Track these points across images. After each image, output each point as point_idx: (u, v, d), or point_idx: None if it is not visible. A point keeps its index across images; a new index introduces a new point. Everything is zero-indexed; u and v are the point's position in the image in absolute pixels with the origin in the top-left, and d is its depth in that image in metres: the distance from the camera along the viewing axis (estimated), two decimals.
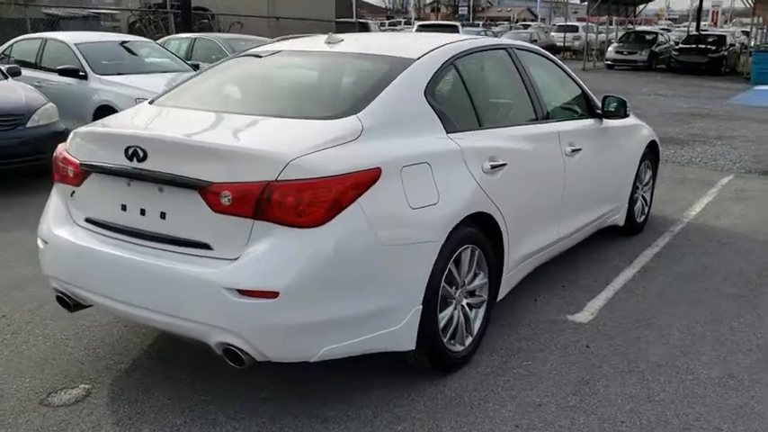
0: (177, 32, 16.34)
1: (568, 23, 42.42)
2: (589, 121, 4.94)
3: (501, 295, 3.92)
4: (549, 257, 4.57)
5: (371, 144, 3.09)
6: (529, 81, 4.38)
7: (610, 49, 30.51)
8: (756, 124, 13.51)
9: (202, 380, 3.51)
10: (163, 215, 3.05)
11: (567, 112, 4.82)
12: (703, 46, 28.28)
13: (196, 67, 10.66)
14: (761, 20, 29.71)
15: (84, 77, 9.31)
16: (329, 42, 4.01)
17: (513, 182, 3.80)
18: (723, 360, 3.78)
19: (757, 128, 13.03)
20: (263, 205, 2.81)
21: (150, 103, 3.86)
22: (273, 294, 2.78)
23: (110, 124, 3.49)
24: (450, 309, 3.47)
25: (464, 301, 3.59)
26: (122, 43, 10.61)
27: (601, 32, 38.83)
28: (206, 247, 2.94)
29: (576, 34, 40.97)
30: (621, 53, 29.58)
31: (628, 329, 4.14)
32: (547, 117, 4.44)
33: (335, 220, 2.84)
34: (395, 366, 3.54)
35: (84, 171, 3.28)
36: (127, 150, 3.05)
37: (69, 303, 3.45)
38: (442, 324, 3.40)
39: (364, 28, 23.40)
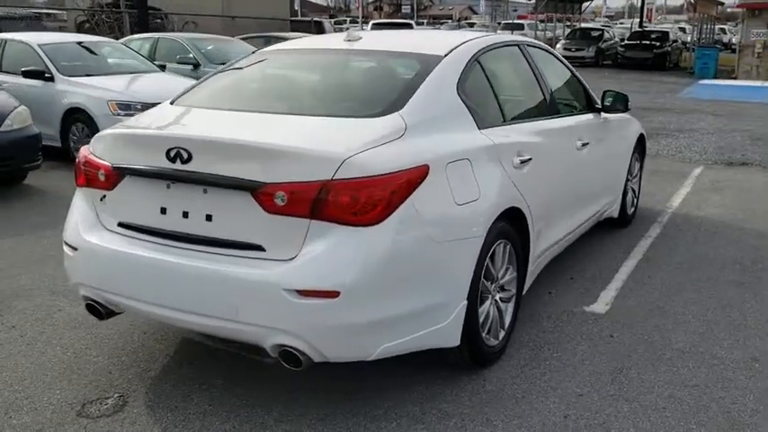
0: (132, 33, 15.99)
1: (515, 21, 43.10)
2: (591, 116, 5.04)
3: (525, 289, 3.97)
4: (561, 250, 4.64)
5: (416, 141, 3.09)
6: (540, 76, 4.44)
7: (558, 46, 31.06)
8: (712, 117, 13.95)
9: (238, 383, 3.45)
10: (209, 217, 2.99)
11: (571, 107, 4.90)
12: (648, 42, 29.09)
13: (163, 67, 10.45)
14: (701, 16, 30.64)
15: (51, 79, 9.01)
16: (349, 40, 3.99)
17: (537, 176, 3.85)
18: (743, 345, 3.90)
19: (714, 121, 13.46)
20: (320, 205, 2.78)
21: (171, 103, 3.77)
22: (334, 294, 2.75)
23: (141, 125, 3.40)
24: (487, 304, 3.50)
25: (497, 296, 3.62)
26: (85, 44, 10.30)
27: (546, 30, 39.58)
28: (258, 248, 2.89)
29: (521, 32, 41.64)
30: (569, 50, 30.13)
31: (645, 318, 4.23)
32: (557, 112, 4.52)
33: (391, 219, 2.83)
34: (426, 362, 3.54)
35: (118, 174, 3.19)
36: (168, 152, 2.98)
37: (101, 311, 3.35)
38: (480, 319, 3.42)
39: (319, 26, 23.34)
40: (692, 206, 6.95)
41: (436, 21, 63.60)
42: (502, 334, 3.67)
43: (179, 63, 11.39)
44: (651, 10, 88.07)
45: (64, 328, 4.09)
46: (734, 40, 41.39)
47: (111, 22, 18.36)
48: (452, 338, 3.20)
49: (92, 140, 3.42)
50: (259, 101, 3.68)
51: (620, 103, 5.09)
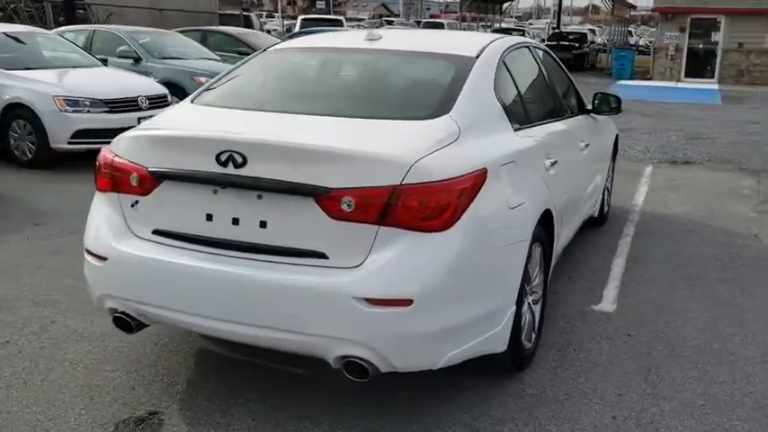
0: (57, 24, 15.17)
1: (435, 20, 43.54)
2: (585, 117, 5.12)
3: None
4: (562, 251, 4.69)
5: (470, 144, 3.04)
6: (548, 77, 4.48)
7: None
8: (642, 117, 14.49)
9: (273, 396, 3.31)
10: (263, 224, 2.84)
11: (571, 108, 4.96)
12: (567, 43, 29.97)
13: (104, 61, 9.97)
14: (614, 18, 31.83)
15: None
16: (370, 39, 3.89)
17: (561, 178, 3.88)
18: (752, 340, 4.05)
19: (645, 120, 13.99)
20: (389, 210, 2.69)
21: (192, 102, 3.58)
22: (407, 302, 2.67)
23: (180, 127, 3.20)
24: (525, 307, 3.49)
25: (530, 299, 3.62)
26: (14, 34, 9.65)
27: (466, 29, 40.19)
28: (320, 255, 2.77)
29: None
30: None
31: (654, 316, 4.33)
32: (565, 113, 4.57)
33: (459, 224, 2.78)
34: (461, 370, 3.47)
35: (155, 179, 2.99)
36: (219, 156, 2.81)
37: (132, 324, 3.15)
38: (521, 323, 3.41)
39: (247, 20, 22.86)
40: (657, 204, 7.18)
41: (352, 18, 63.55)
42: (533, 337, 3.67)
43: (119, 57, 10.88)
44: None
45: (64, 341, 3.82)
46: (641, 42, 43.40)
47: (30, 12, 17.33)
48: (502, 344, 3.18)
49: (117, 142, 3.19)
50: (298, 102, 3.53)
51: (613, 104, 5.20)
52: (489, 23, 41.75)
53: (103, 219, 3.17)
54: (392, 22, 52.20)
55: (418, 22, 46.97)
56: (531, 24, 66.56)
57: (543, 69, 4.46)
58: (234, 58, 12.93)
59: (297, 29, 21.74)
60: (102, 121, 8.16)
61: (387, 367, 2.78)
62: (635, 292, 4.72)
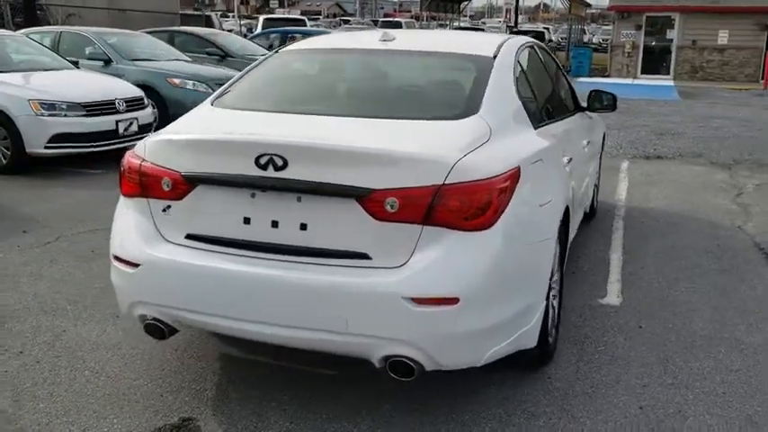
0: (15, 25, 14.78)
1: (393, 20, 43.71)
2: (581, 114, 5.21)
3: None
4: None
5: (502, 143, 3.08)
6: (552, 76, 4.55)
7: None
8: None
9: (309, 398, 3.30)
10: (303, 226, 2.84)
11: (569, 106, 5.04)
12: None
13: (75, 64, 9.76)
14: (572, 17, 32.37)
15: None
16: (385, 40, 3.90)
17: (573, 174, 3.95)
18: (756, 329, 4.18)
19: (612, 116, 14.14)
20: (433, 210, 2.71)
21: (212, 104, 3.54)
22: (454, 301, 2.70)
23: (214, 131, 3.16)
24: (549, 303, 3.55)
25: (551, 294, 3.67)
26: None
27: (423, 28, 40.38)
28: (363, 256, 2.78)
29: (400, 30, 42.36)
30: None
31: (661, 308, 4.44)
32: (569, 110, 4.64)
33: (499, 222, 2.81)
34: (486, 366, 3.53)
35: (189, 183, 2.96)
36: (258, 159, 2.80)
37: (164, 330, 3.11)
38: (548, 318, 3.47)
39: (208, 20, 22.59)
40: (640, 199, 7.35)
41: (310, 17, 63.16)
42: (554, 332, 3.74)
43: (89, 59, 10.65)
44: (510, 11, 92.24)
45: (79, 350, 3.75)
46: (594, 40, 44.18)
47: None
48: (533, 339, 3.22)
49: (144, 146, 3.14)
50: (325, 103, 3.53)
51: (609, 102, 5.30)
52: (447, 22, 42.00)
53: (132, 224, 3.12)
54: (348, 21, 52.19)
55: (375, 22, 47.05)
56: (484, 23, 67.22)
57: (546, 68, 4.54)
58: (203, 59, 12.80)
59: (259, 29, 21.57)
60: (79, 125, 7.95)
61: (433, 366, 2.80)
62: (637, 285, 4.83)
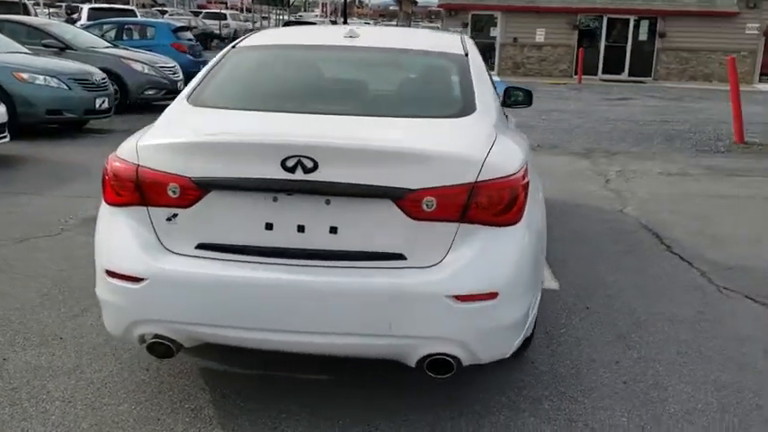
0: None
1: (218, 11, 42.57)
2: None
3: None
4: None
5: (504, 139, 3.17)
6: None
7: None
8: (537, 114, 14.79)
9: (315, 405, 3.19)
10: (333, 230, 2.75)
11: None
12: None
13: None
14: (405, 13, 33.37)
15: None
16: (350, 36, 3.83)
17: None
18: (681, 303, 4.59)
19: (540, 116, 14.41)
20: (468, 208, 2.75)
21: (190, 103, 3.31)
22: (493, 295, 2.75)
23: (227, 131, 2.95)
24: None
25: None
26: None
27: (247, 21, 39.74)
28: (398, 257, 2.75)
29: (225, 22, 41.37)
30: None
31: (595, 289, 4.76)
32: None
33: (524, 217, 2.90)
34: None
35: (201, 189, 2.76)
36: (285, 161, 2.67)
37: (172, 348, 2.88)
38: None
39: (25, 8, 20.60)
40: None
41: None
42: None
43: None
44: (326, 5, 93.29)
45: (35, 379, 3.38)
46: None
47: None
48: (532, 327, 3.36)
49: (134, 150, 2.87)
50: (327, 102, 3.41)
51: (524, 98, 5.55)
52: (278, 15, 41.63)
53: (129, 236, 2.85)
54: (165, 12, 50.00)
55: (196, 13, 45.48)
56: (300, 16, 67.27)
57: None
58: (42, 51, 11.76)
59: (84, 20, 20.08)
60: None
61: (471, 360, 2.84)
62: (564, 269, 5.14)
